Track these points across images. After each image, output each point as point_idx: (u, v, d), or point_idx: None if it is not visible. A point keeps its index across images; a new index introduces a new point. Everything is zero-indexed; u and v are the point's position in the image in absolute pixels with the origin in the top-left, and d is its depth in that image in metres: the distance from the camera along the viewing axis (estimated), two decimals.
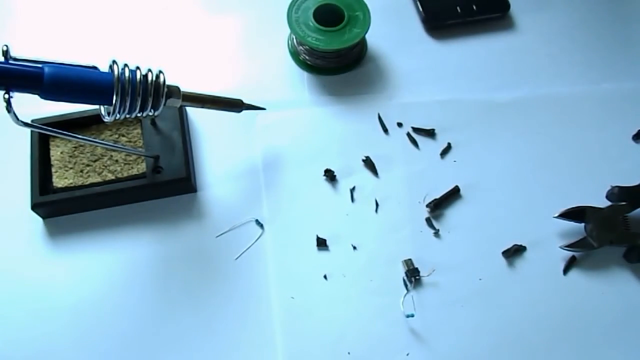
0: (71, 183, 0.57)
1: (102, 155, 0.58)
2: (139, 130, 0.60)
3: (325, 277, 0.55)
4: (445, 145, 0.62)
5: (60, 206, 0.57)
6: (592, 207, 0.56)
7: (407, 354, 0.52)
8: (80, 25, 0.70)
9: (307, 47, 0.64)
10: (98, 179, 0.57)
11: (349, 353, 0.52)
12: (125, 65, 0.46)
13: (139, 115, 0.48)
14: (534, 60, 0.68)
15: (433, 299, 0.54)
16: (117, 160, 0.58)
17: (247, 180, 0.60)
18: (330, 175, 0.60)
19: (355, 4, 0.65)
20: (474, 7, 0.70)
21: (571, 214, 0.56)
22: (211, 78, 0.66)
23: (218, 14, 0.71)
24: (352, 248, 0.57)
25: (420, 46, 0.69)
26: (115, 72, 0.45)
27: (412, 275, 0.54)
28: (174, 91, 0.50)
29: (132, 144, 0.59)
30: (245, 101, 0.58)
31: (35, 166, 0.56)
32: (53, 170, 0.57)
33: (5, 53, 0.42)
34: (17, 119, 0.43)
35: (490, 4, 0.71)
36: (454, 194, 0.59)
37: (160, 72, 0.49)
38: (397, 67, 0.68)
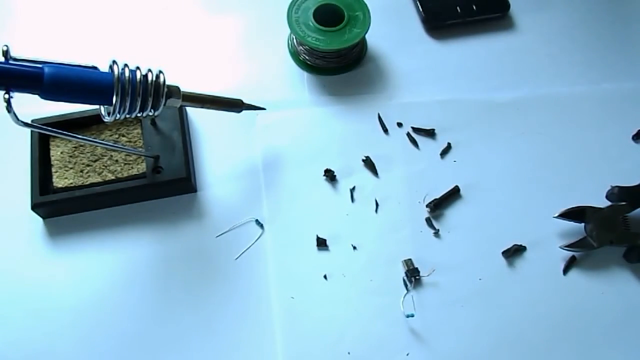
0: (71, 183, 0.57)
1: (102, 155, 0.58)
2: (139, 130, 0.60)
3: (325, 277, 0.55)
4: (445, 145, 0.62)
5: (60, 206, 0.57)
6: (592, 207, 0.56)
7: (407, 354, 0.52)
8: (80, 25, 0.70)
9: (307, 47, 0.64)
10: (98, 179, 0.57)
11: (349, 353, 0.52)
12: (125, 65, 0.46)
13: (139, 115, 0.48)
14: (534, 60, 0.68)
15: (433, 299, 0.54)
16: (117, 160, 0.58)
17: (247, 180, 0.60)
18: (330, 175, 0.60)
19: (355, 4, 0.65)
20: (474, 7, 0.70)
21: (571, 214, 0.56)
22: (211, 78, 0.66)
23: (218, 14, 0.71)
24: (352, 248, 0.57)
25: (420, 46, 0.69)
26: (115, 72, 0.45)
27: (412, 275, 0.54)
28: (174, 91, 0.50)
29: (132, 144, 0.59)
30: (245, 101, 0.58)
31: (35, 166, 0.56)
32: (53, 170, 0.57)
33: (5, 53, 0.42)
34: (17, 119, 0.43)
35: (490, 4, 0.71)
36: (454, 194, 0.59)
37: (160, 72, 0.49)
38: (397, 67, 0.68)
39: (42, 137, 0.58)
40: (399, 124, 0.64)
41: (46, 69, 0.42)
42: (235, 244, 0.57)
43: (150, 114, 0.49)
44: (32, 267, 0.56)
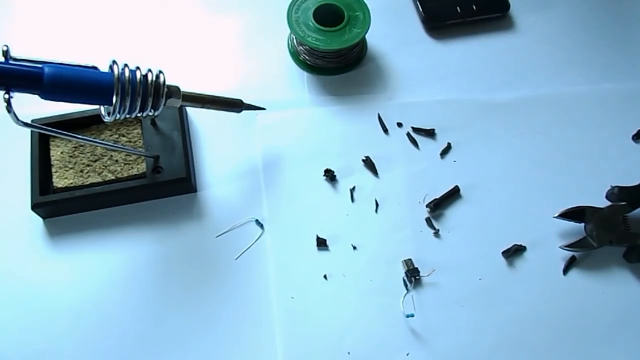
0: (71, 183, 0.57)
1: (102, 155, 0.58)
2: (139, 130, 0.60)
3: (325, 277, 0.55)
4: (445, 145, 0.62)
5: (60, 206, 0.57)
6: (592, 207, 0.56)
7: (407, 354, 0.52)
8: (80, 25, 0.70)
9: (307, 47, 0.64)
10: (98, 179, 0.57)
11: (349, 353, 0.52)
12: (125, 65, 0.46)
13: (139, 115, 0.48)
14: (534, 60, 0.68)
15: (433, 299, 0.54)
16: (117, 160, 0.58)
17: (247, 180, 0.60)
18: (330, 175, 0.60)
19: (355, 4, 0.65)
20: (474, 7, 0.70)
21: (571, 214, 0.56)
22: (211, 78, 0.66)
23: (218, 14, 0.71)
24: (352, 248, 0.57)
25: (420, 46, 0.69)
26: (115, 72, 0.45)
27: (412, 275, 0.54)
28: (174, 91, 0.50)
29: (132, 144, 0.59)
30: (245, 101, 0.58)
31: (35, 166, 0.56)
32: (53, 170, 0.57)
33: (5, 53, 0.42)
34: (17, 119, 0.43)
35: (490, 4, 0.71)
36: (454, 194, 0.59)
37: (160, 72, 0.49)
38: (397, 67, 0.68)
39: (42, 137, 0.58)
40: (399, 124, 0.64)
41: (46, 69, 0.42)
42: (235, 244, 0.57)
43: (150, 114, 0.49)
44: (32, 267, 0.56)
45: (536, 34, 0.70)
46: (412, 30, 0.71)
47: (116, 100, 0.46)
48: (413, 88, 0.66)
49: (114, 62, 0.46)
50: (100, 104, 0.48)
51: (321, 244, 0.57)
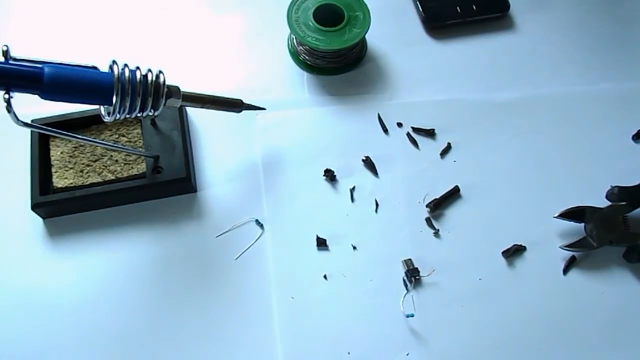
0: (71, 183, 0.57)
1: (102, 155, 0.58)
2: (139, 130, 0.60)
3: (325, 277, 0.55)
4: (445, 145, 0.62)
5: (60, 206, 0.57)
6: (592, 207, 0.56)
7: (407, 354, 0.52)
8: (80, 25, 0.70)
9: (307, 47, 0.64)
10: (98, 179, 0.57)
11: (349, 353, 0.52)
12: (125, 65, 0.46)
13: (139, 115, 0.48)
14: (534, 60, 0.68)
15: (433, 299, 0.54)
16: (117, 160, 0.58)
17: (247, 180, 0.60)
18: (330, 175, 0.60)
19: (355, 4, 0.65)
20: (474, 7, 0.70)
21: (571, 214, 0.56)
22: (211, 78, 0.66)
23: (218, 14, 0.71)
24: (352, 248, 0.57)
25: (420, 46, 0.69)
26: (115, 72, 0.45)
27: (412, 275, 0.54)
28: (174, 91, 0.50)
29: (132, 144, 0.59)
30: (245, 101, 0.58)
31: (35, 166, 0.56)
32: (53, 170, 0.57)
33: (5, 53, 0.42)
34: (17, 119, 0.43)
35: (490, 4, 0.71)
36: (454, 194, 0.59)
37: (160, 72, 0.49)
38: (397, 67, 0.68)
39: (42, 137, 0.58)
40: (399, 124, 0.64)
41: (46, 69, 0.42)
42: (235, 244, 0.57)
43: (150, 114, 0.49)
44: (32, 267, 0.56)
45: (536, 34, 0.70)
46: (412, 30, 0.71)
47: (116, 100, 0.46)
48: (413, 88, 0.66)
49: (114, 62, 0.46)
50: (100, 104, 0.48)
51: (321, 244, 0.57)
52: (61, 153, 0.58)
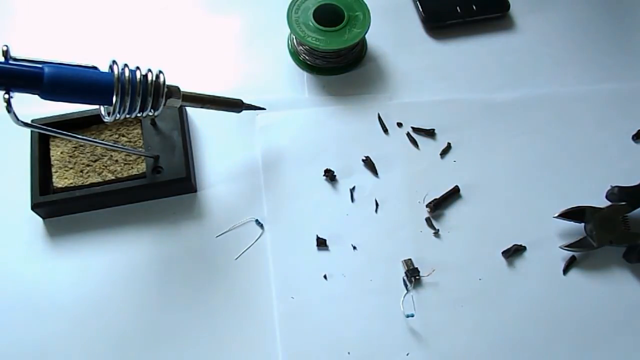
0: (71, 183, 0.57)
1: (102, 155, 0.58)
2: (139, 130, 0.60)
3: (325, 277, 0.55)
4: (445, 145, 0.62)
5: (60, 206, 0.57)
6: (592, 207, 0.56)
7: (407, 354, 0.52)
8: (80, 25, 0.70)
9: (307, 47, 0.64)
10: (98, 179, 0.57)
11: (349, 353, 0.52)
12: (125, 65, 0.46)
13: (139, 115, 0.48)
14: (534, 60, 0.68)
15: (433, 299, 0.54)
16: (117, 160, 0.58)
17: (247, 180, 0.60)
18: (330, 175, 0.60)
19: (355, 4, 0.65)
20: (474, 7, 0.70)
21: (571, 214, 0.56)
22: (211, 78, 0.66)
23: (218, 14, 0.71)
24: (352, 248, 0.57)
25: (420, 46, 0.69)
26: (115, 72, 0.45)
27: (412, 275, 0.54)
28: (173, 91, 0.50)
29: (132, 144, 0.59)
30: (245, 101, 0.58)
31: (35, 166, 0.56)
32: (53, 170, 0.57)
33: (5, 53, 0.42)
34: (17, 119, 0.43)
35: (490, 4, 0.71)
36: (454, 194, 0.59)
37: (160, 72, 0.49)
38: (397, 67, 0.68)
39: (42, 137, 0.58)
40: (399, 124, 0.64)
41: (46, 69, 0.42)
42: (235, 244, 0.57)
43: (150, 114, 0.49)
44: (32, 267, 0.56)
45: (536, 34, 0.70)
46: (412, 30, 0.71)
47: (116, 100, 0.46)
48: (413, 88, 0.66)
49: (114, 62, 0.46)
50: (100, 104, 0.48)
51: (321, 244, 0.57)
52: (61, 153, 0.58)
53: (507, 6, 0.71)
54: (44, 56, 0.44)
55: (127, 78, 0.46)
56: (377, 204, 0.59)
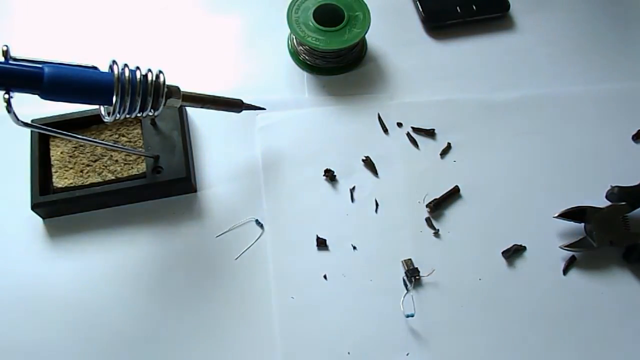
0: (71, 183, 0.57)
1: (102, 155, 0.58)
2: (139, 130, 0.60)
3: (325, 277, 0.55)
4: (445, 145, 0.62)
5: (60, 206, 0.57)
6: (592, 207, 0.56)
7: (407, 354, 0.52)
8: (80, 25, 0.70)
9: (307, 47, 0.64)
10: (98, 179, 0.57)
11: (349, 353, 0.52)
12: (125, 65, 0.46)
13: (138, 115, 0.48)
14: (534, 60, 0.68)
15: (433, 299, 0.54)
16: (117, 160, 0.58)
17: (247, 180, 0.60)
18: (330, 175, 0.60)
19: (355, 4, 0.65)
20: (474, 7, 0.70)
21: (571, 214, 0.56)
22: (211, 78, 0.66)
23: (218, 14, 0.71)
24: (352, 248, 0.57)
25: (420, 46, 0.69)
26: (115, 72, 0.45)
27: (412, 275, 0.54)
28: (173, 91, 0.50)
29: (132, 144, 0.59)
30: (245, 101, 0.58)
31: (35, 166, 0.56)
32: (53, 170, 0.57)
33: (5, 53, 0.42)
34: (17, 119, 0.43)
35: (490, 4, 0.71)
36: (454, 194, 0.59)
37: (160, 72, 0.49)
38: (397, 67, 0.68)
39: (42, 137, 0.58)
40: (399, 124, 0.64)
41: (46, 69, 0.42)
42: (235, 244, 0.57)
43: (150, 114, 0.49)
44: (32, 267, 0.56)
45: (536, 34, 0.70)
46: (412, 30, 0.71)
47: (116, 100, 0.46)
48: (413, 88, 0.66)
49: (114, 62, 0.46)
50: (100, 104, 0.48)
51: (321, 244, 0.57)
52: (61, 153, 0.58)
53: (507, 6, 0.71)
54: (44, 56, 0.44)
55: (127, 78, 0.46)
56: (377, 204, 0.59)
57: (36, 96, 0.43)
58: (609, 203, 0.57)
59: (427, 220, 0.58)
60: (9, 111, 0.42)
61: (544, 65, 0.68)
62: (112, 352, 0.52)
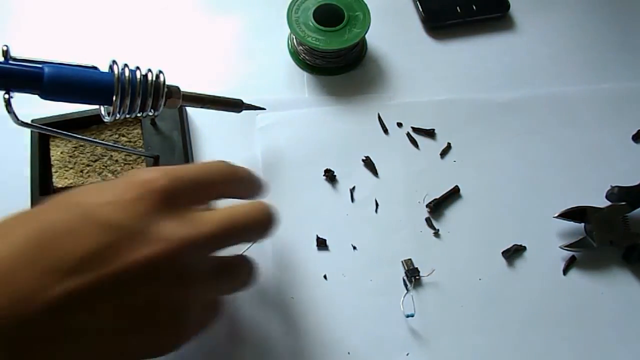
0: (71, 183, 0.57)
1: (102, 155, 0.58)
2: (139, 130, 0.60)
3: (325, 277, 0.55)
4: (445, 145, 0.62)
5: None
6: (592, 207, 0.56)
7: (407, 354, 0.52)
8: (80, 26, 0.70)
9: (307, 47, 0.64)
10: (98, 179, 0.57)
11: (349, 353, 0.52)
12: (125, 65, 0.46)
13: (139, 115, 0.48)
14: (534, 60, 0.68)
15: (433, 299, 0.54)
16: (117, 160, 0.58)
17: None
18: (330, 175, 0.60)
19: (355, 4, 0.65)
20: (474, 7, 0.70)
21: (571, 214, 0.56)
22: (211, 78, 0.66)
23: (218, 14, 0.71)
24: (352, 248, 0.57)
25: (420, 46, 0.69)
26: (115, 72, 0.45)
27: (412, 275, 0.54)
28: (174, 91, 0.50)
29: (132, 144, 0.59)
30: (245, 101, 0.58)
31: (35, 166, 0.56)
32: (53, 170, 0.57)
33: (5, 53, 0.42)
34: (17, 119, 0.43)
35: (490, 4, 0.71)
36: (454, 194, 0.59)
37: (160, 72, 0.49)
38: (397, 67, 0.68)
39: (42, 137, 0.58)
40: (399, 124, 0.64)
41: (46, 69, 0.42)
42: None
43: (150, 114, 0.49)
44: None
45: (536, 34, 0.70)
46: (412, 30, 0.71)
47: (116, 100, 0.46)
48: (413, 88, 0.66)
49: (114, 62, 0.46)
50: (100, 104, 0.48)
51: (321, 244, 0.57)
52: (61, 153, 0.58)
53: (507, 6, 0.71)
54: (44, 56, 0.44)
55: (127, 78, 0.46)
56: (377, 204, 0.59)
57: (36, 96, 0.43)
58: (609, 203, 0.57)
59: (427, 220, 0.58)
60: (9, 111, 0.42)
61: (544, 65, 0.68)
62: None
